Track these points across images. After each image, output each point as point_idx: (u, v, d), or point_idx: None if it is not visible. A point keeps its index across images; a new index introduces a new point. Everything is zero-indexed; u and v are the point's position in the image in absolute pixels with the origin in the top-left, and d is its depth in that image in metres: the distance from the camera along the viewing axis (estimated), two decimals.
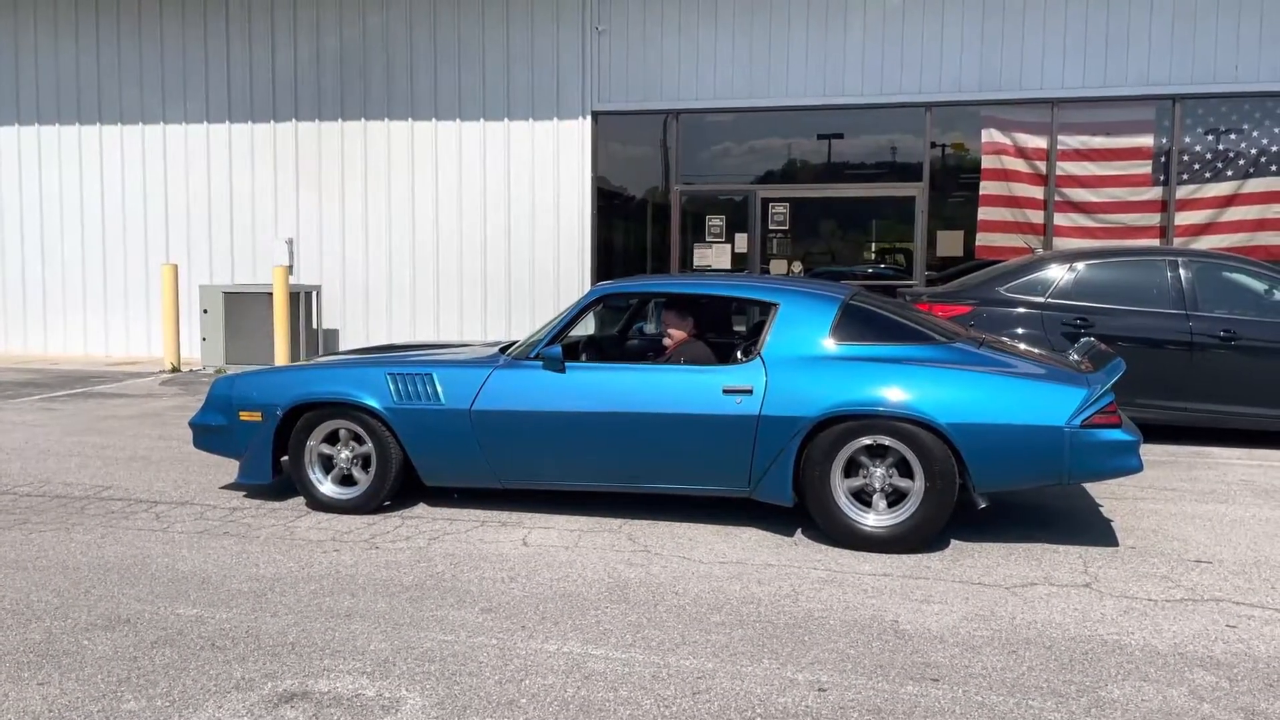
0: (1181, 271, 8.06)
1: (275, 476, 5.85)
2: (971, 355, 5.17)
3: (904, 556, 4.95)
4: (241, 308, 12.55)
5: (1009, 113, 11.91)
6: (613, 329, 7.25)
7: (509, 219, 13.05)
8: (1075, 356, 5.69)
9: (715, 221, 12.63)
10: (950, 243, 12.14)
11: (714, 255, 12.61)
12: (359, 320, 13.56)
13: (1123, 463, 4.82)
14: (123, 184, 14.09)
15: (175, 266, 12.37)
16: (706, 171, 12.81)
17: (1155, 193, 11.67)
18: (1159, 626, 4.04)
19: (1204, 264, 8.16)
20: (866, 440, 5.02)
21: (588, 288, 11.68)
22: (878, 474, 5.05)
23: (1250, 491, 6.41)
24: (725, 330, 6.70)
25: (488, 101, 13.02)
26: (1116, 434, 4.80)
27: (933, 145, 12.14)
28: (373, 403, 5.57)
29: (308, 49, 13.44)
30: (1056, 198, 11.86)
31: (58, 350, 14.27)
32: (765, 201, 12.43)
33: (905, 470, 5.02)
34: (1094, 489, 6.38)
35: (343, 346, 13.51)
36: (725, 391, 5.16)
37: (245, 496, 6.09)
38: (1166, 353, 7.85)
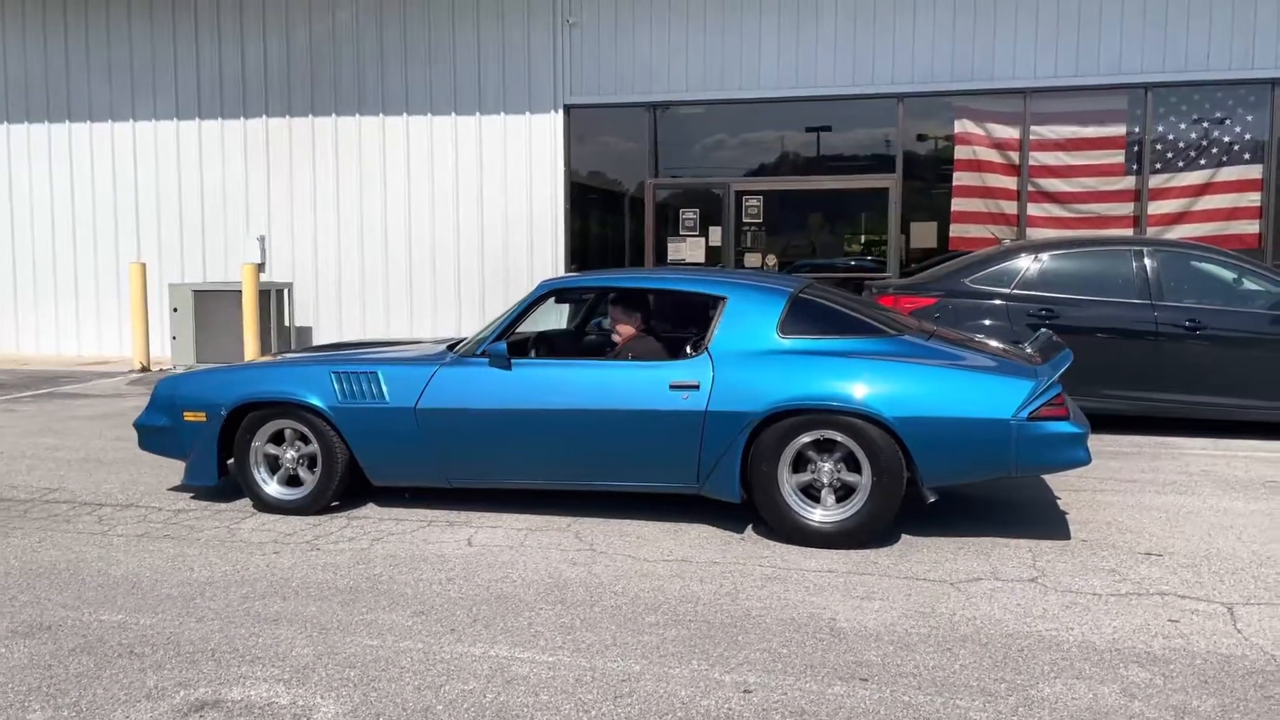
0: (1147, 261, 8.00)
1: (221, 478, 5.77)
2: (920, 348, 5.11)
3: (852, 552, 4.88)
4: (212, 306, 12.44)
5: (981, 103, 11.85)
6: (573, 325, 7.16)
7: (482, 214, 12.96)
8: (1029, 349, 5.63)
9: (689, 215, 12.54)
10: (924, 234, 12.07)
11: (688, 249, 12.53)
12: (332, 317, 13.46)
13: (1070, 455, 4.76)
14: (93, 182, 13.97)
15: (143, 265, 12.26)
16: (680, 165, 12.73)
17: (1129, 182, 11.61)
18: (1099, 622, 3.98)
19: (1170, 254, 8.10)
20: (814, 435, 4.95)
21: None
22: (825, 469, 4.98)
23: (1210, 482, 6.36)
24: (685, 324, 6.62)
25: (459, 96, 12.92)
26: (1063, 426, 4.73)
27: (906, 137, 12.07)
28: (317, 402, 5.49)
29: (277, 44, 13.32)
30: (1030, 188, 11.80)
31: (30, 350, 14.16)
32: (739, 195, 12.35)
33: (854, 465, 4.96)
34: (1053, 481, 6.33)
35: (316, 343, 13.41)
36: (672, 387, 5.09)
37: (193, 498, 6.00)
38: (1132, 343, 7.79)
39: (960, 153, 11.92)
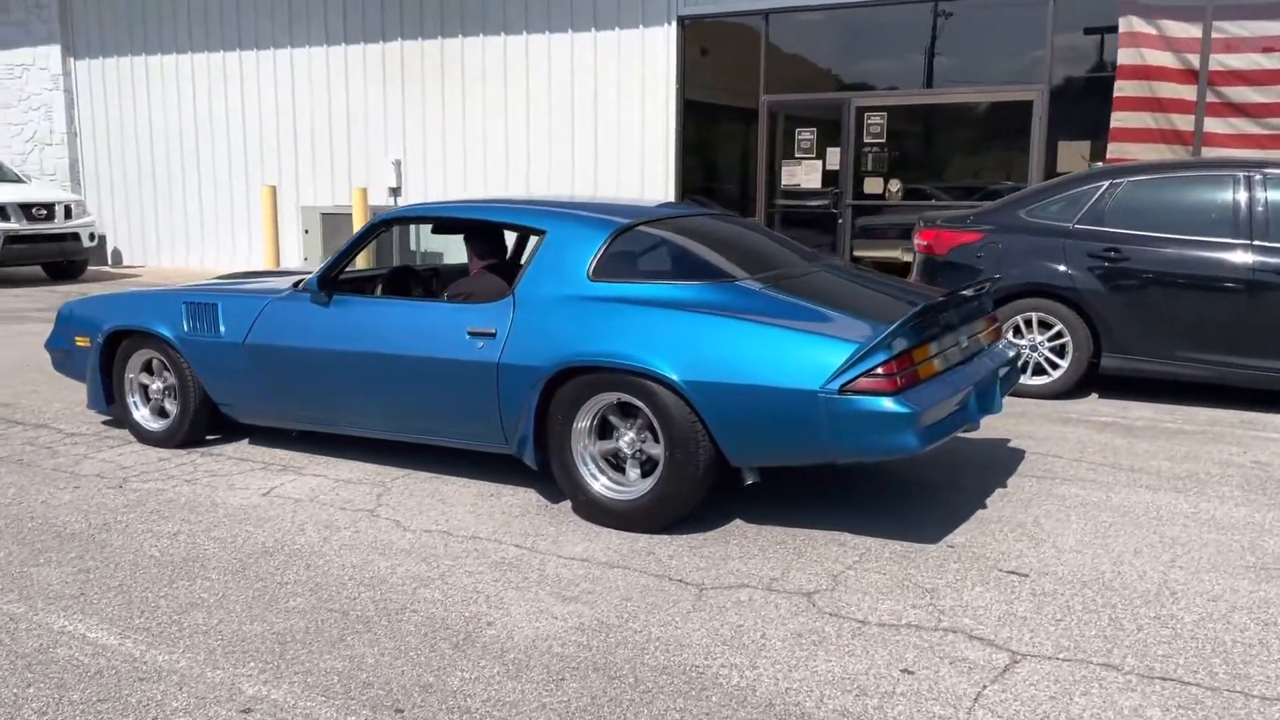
0: (1256, 191, 6.32)
1: (110, 404, 5.74)
2: (750, 298, 4.17)
3: (640, 537, 4.13)
4: (339, 228, 12.76)
5: None
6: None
7: (596, 135, 12.43)
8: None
9: (805, 135, 11.42)
10: (1073, 156, 10.34)
11: (803, 173, 11.44)
12: (458, 240, 13.44)
13: (891, 441, 3.71)
14: (260, 108, 14.66)
15: (273, 188, 12.72)
16: (798, 78, 11.58)
17: None
18: (804, 662, 3.07)
19: None
20: (610, 397, 4.19)
21: None
22: (627, 438, 4.22)
23: (1240, 481, 4.94)
24: None
25: (575, 12, 12.36)
26: (882, 403, 3.70)
27: (1056, 40, 10.31)
28: (166, 333, 5.31)
29: None
30: (1211, 98, 9.78)
31: (211, 266, 15.20)
32: (860, 111, 11.09)
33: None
34: (1032, 462, 5.15)
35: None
36: (470, 334, 4.47)
37: (103, 424, 6.04)
38: (1216, 294, 6.22)
39: (1124, 57, 10.04)
